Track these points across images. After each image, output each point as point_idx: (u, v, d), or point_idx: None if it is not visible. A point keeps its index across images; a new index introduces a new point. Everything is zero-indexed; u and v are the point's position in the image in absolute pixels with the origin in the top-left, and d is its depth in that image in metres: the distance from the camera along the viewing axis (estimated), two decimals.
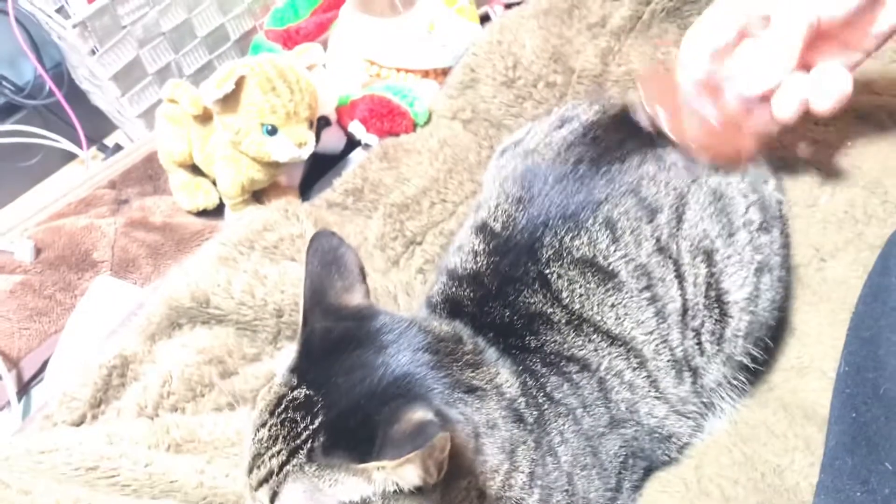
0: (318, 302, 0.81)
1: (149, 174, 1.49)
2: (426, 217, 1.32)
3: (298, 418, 0.75)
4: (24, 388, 1.21)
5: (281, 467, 0.75)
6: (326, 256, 0.84)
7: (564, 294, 0.90)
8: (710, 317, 0.95)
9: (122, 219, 1.39)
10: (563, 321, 0.90)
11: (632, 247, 0.91)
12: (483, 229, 0.97)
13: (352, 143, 1.53)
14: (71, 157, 1.81)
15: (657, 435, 0.97)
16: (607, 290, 0.91)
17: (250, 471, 0.78)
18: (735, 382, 1.02)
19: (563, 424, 0.90)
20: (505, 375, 0.87)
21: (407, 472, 0.70)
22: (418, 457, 0.68)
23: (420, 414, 0.72)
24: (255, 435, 0.78)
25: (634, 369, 0.92)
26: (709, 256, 0.94)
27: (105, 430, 1.08)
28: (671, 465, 1.03)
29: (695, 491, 1.01)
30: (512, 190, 0.97)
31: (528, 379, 0.89)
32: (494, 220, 0.97)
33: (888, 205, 1.20)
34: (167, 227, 1.41)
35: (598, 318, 0.91)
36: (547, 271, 0.90)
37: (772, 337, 1.05)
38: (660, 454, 1.00)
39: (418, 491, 0.74)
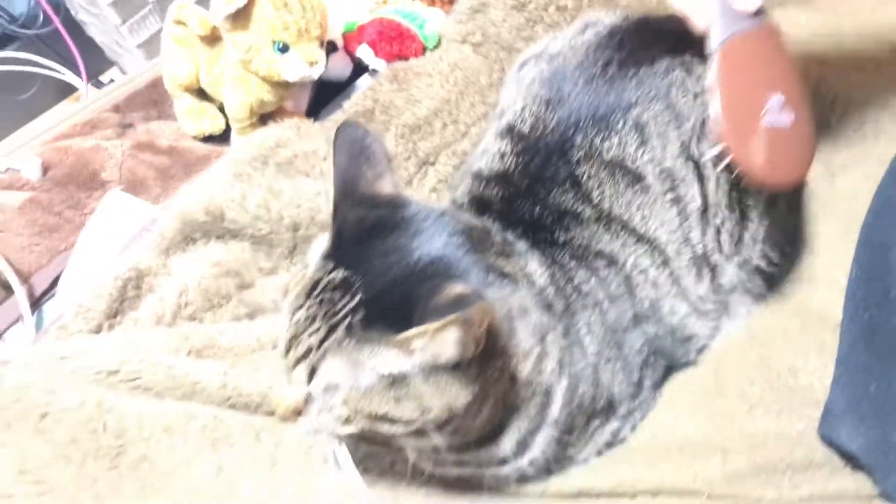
0: (348, 193, 0.81)
1: (153, 99, 1.47)
2: (438, 138, 1.32)
3: (336, 298, 0.76)
4: (35, 304, 1.19)
5: (320, 344, 0.76)
6: (354, 147, 0.83)
7: (594, 194, 0.92)
8: (731, 218, 0.96)
9: (128, 142, 1.38)
10: (592, 218, 0.92)
11: (658, 151, 0.93)
12: (510, 132, 0.98)
13: (358, 71, 1.52)
14: (68, 90, 1.77)
15: (678, 336, 0.99)
16: (635, 192, 0.92)
17: (287, 351, 0.78)
18: (750, 286, 1.04)
19: (590, 316, 0.91)
20: (534, 266, 0.88)
21: (448, 337, 0.70)
22: (460, 321, 0.69)
23: (460, 288, 0.73)
24: (292, 318, 0.78)
25: (658, 267, 0.94)
26: None
27: (124, 337, 1.08)
28: (691, 367, 1.05)
29: (713, 390, 1.03)
30: (540, 92, 0.97)
31: (556, 271, 0.90)
32: (522, 123, 0.97)
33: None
34: (174, 151, 1.39)
35: (626, 217, 0.92)
36: (578, 171, 0.92)
37: (787, 243, 1.07)
38: (680, 356, 1.01)
39: (455, 368, 0.75)
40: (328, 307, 0.76)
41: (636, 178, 0.92)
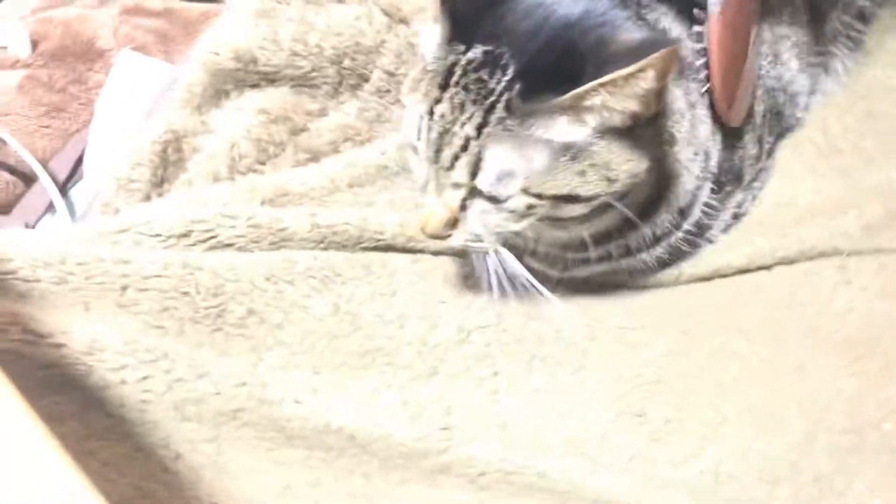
0: None
1: None
2: None
3: (485, 76, 0.67)
4: (61, 191, 1.06)
5: (479, 130, 0.67)
6: None
7: None
8: None
9: (114, 10, 1.22)
10: None
11: None
12: None
13: None
14: None
15: (789, 91, 0.93)
16: None
17: (437, 153, 0.70)
18: (850, 34, 0.98)
19: None
20: (669, 21, 0.80)
21: (638, 86, 0.63)
22: (657, 61, 0.61)
23: (638, 35, 0.67)
24: (432, 116, 0.69)
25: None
26: None
27: (182, 199, 0.97)
28: (797, 130, 0.99)
29: (825, 149, 0.98)
30: None
31: (683, 20, 0.81)
32: None
33: None
34: (168, 13, 1.24)
35: None
36: None
37: None
38: (788, 115, 0.96)
39: (630, 130, 0.68)
40: (477, 89, 0.68)
41: None
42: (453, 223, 0.74)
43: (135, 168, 0.99)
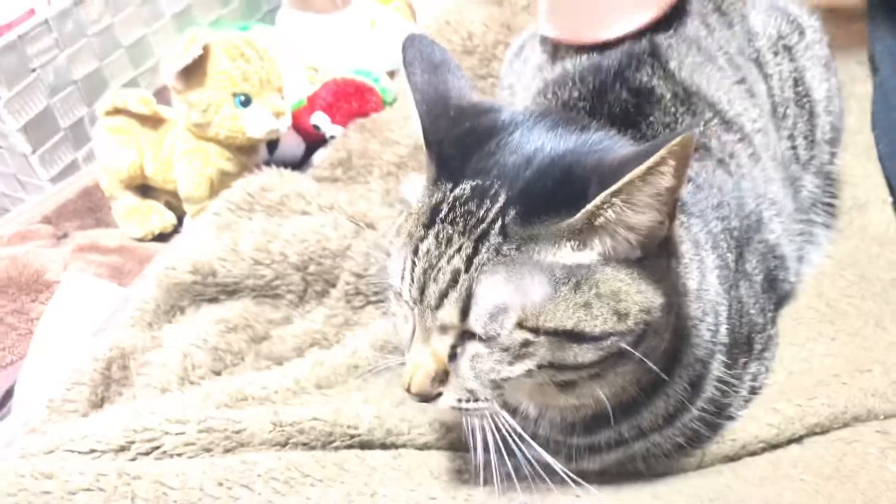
0: (440, 110, 0.69)
1: (88, 207, 1.29)
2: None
3: (474, 208, 0.62)
4: None
5: (468, 261, 0.60)
6: (430, 61, 0.71)
7: (672, 64, 0.86)
8: (801, 116, 0.93)
9: (67, 248, 1.17)
10: (675, 96, 0.84)
11: (723, 42, 0.91)
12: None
13: (309, 151, 1.42)
14: None
15: (777, 253, 0.89)
16: (711, 69, 0.87)
17: (422, 292, 0.62)
18: (826, 200, 0.98)
19: (718, 223, 0.80)
20: None
21: (659, 181, 0.57)
22: (678, 147, 0.55)
23: (636, 146, 0.63)
24: (416, 254, 0.63)
25: (750, 157, 0.86)
26: (789, 51, 0.94)
27: (124, 411, 0.84)
28: (793, 300, 0.94)
29: (828, 314, 0.93)
30: None
31: None
32: None
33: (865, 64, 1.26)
34: (125, 250, 1.20)
35: (710, 94, 0.86)
36: (656, 40, 0.87)
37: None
38: (781, 279, 0.91)
39: (640, 261, 0.62)
40: (465, 220, 0.62)
41: (711, 59, 0.88)
42: (443, 377, 0.64)
43: (72, 388, 0.88)
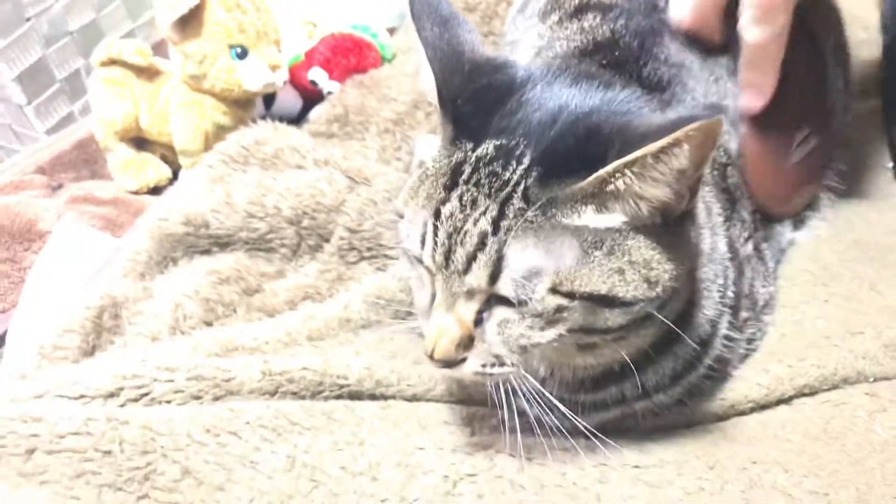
0: (454, 66, 0.67)
1: (83, 159, 1.28)
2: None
3: (498, 169, 0.61)
4: None
5: (495, 225, 0.59)
6: (439, 15, 0.69)
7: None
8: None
9: (61, 199, 1.17)
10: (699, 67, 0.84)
11: None
12: (585, 8, 0.90)
13: (307, 107, 1.40)
14: None
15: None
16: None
17: (447, 257, 0.61)
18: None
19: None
20: None
21: (671, 163, 0.56)
22: (696, 133, 0.54)
23: (670, 114, 0.61)
24: (438, 217, 0.61)
25: None
26: None
27: (114, 358, 0.84)
28: (788, 261, 0.93)
29: (823, 277, 0.92)
30: None
31: None
32: None
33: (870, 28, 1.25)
34: (119, 202, 1.19)
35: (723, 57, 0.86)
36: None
37: None
38: (777, 227, 0.91)
39: (663, 229, 0.61)
40: (490, 182, 0.60)
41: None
42: (468, 343, 0.63)
43: (63, 335, 0.87)
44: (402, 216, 0.65)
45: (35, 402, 0.75)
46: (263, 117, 1.34)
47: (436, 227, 0.61)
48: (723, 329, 0.75)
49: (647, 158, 0.56)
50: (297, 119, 1.38)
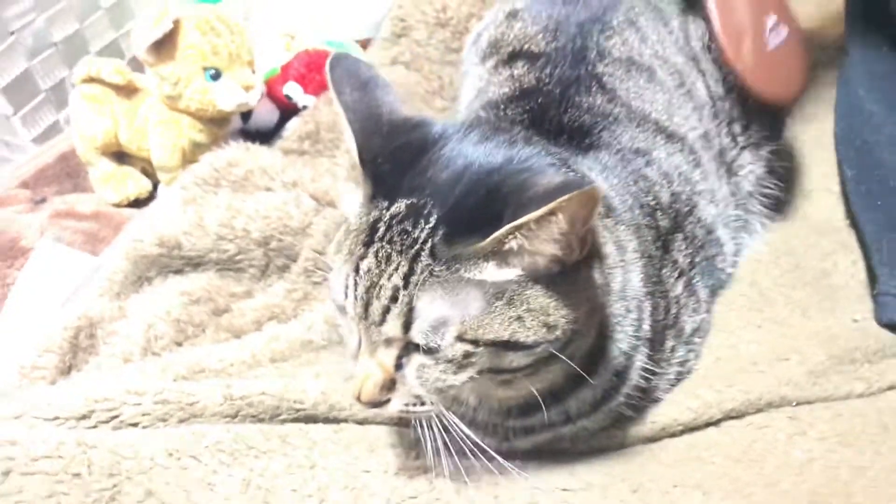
0: (372, 128, 0.71)
1: (66, 172, 1.33)
2: None
3: (409, 227, 0.65)
4: None
5: (406, 279, 0.64)
6: (358, 78, 0.73)
7: (620, 91, 0.89)
8: (735, 104, 0.97)
9: (44, 213, 1.22)
10: (625, 118, 0.88)
11: (658, 46, 0.93)
12: (515, 57, 0.95)
13: (283, 119, 1.45)
14: None
15: (712, 238, 0.94)
16: (654, 88, 0.91)
17: (366, 308, 0.66)
18: (766, 191, 1.02)
19: (647, 220, 0.84)
20: (586, 170, 0.81)
21: (551, 227, 0.61)
22: (567, 203, 0.59)
23: (560, 176, 0.66)
24: (357, 272, 0.66)
25: (689, 164, 0.91)
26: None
27: (87, 380, 0.89)
28: (728, 287, 0.99)
29: (759, 302, 0.97)
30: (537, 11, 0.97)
31: (608, 174, 0.84)
32: (528, 43, 0.95)
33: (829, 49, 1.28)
34: (100, 216, 1.24)
35: (653, 114, 0.90)
36: (598, 72, 0.89)
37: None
38: (718, 262, 0.96)
39: (561, 275, 0.66)
40: (402, 240, 0.65)
41: (650, 74, 0.91)
42: (390, 386, 0.68)
43: (42, 355, 0.93)
44: (331, 269, 0.70)
45: (13, 423, 0.81)
46: (243, 131, 1.40)
47: (356, 282, 0.66)
48: (639, 361, 0.79)
49: (530, 224, 0.61)
50: (275, 131, 1.43)
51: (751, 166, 0.99)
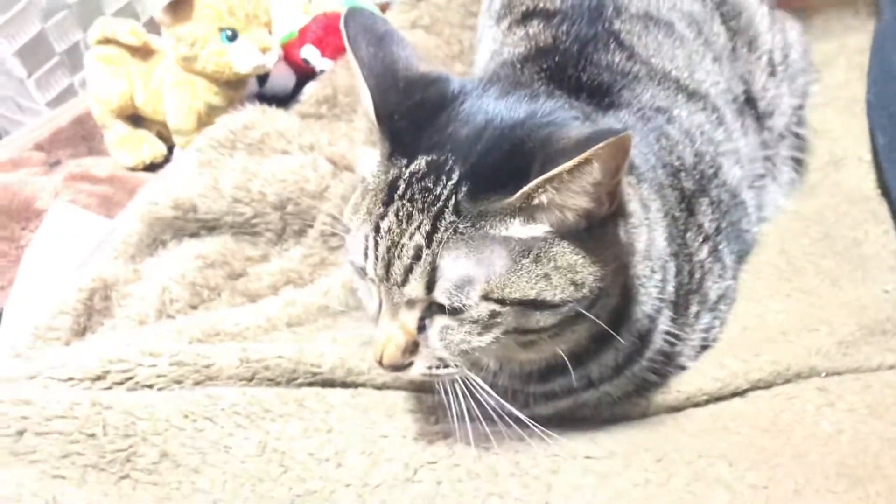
0: (388, 83, 0.69)
1: (81, 135, 1.31)
2: None
3: (430, 184, 0.64)
4: None
5: (429, 237, 0.63)
6: (373, 33, 0.72)
7: (638, 48, 0.86)
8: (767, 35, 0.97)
9: (59, 176, 1.20)
10: (645, 76, 0.85)
11: None
12: (529, 16, 0.91)
13: (301, 83, 1.42)
14: None
15: (737, 200, 0.91)
16: (673, 43, 0.88)
17: (387, 269, 0.64)
18: (797, 126, 1.01)
19: (670, 180, 0.82)
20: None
21: (585, 177, 0.59)
22: (602, 152, 0.57)
23: (588, 128, 0.64)
24: (378, 232, 0.65)
25: (712, 123, 0.88)
26: None
27: (103, 342, 0.88)
28: (755, 255, 0.96)
29: (787, 271, 0.95)
30: None
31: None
32: (542, 2, 0.92)
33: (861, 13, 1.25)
34: (115, 180, 1.23)
35: (674, 72, 0.87)
36: (615, 29, 0.86)
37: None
38: (743, 225, 0.93)
39: (588, 231, 0.64)
40: (423, 197, 0.64)
41: (668, 28, 0.88)
42: (413, 348, 0.67)
43: (56, 316, 0.92)
44: (348, 230, 0.68)
45: (27, 384, 0.80)
46: (259, 95, 1.38)
47: (376, 242, 0.64)
48: (662, 324, 0.78)
49: (563, 175, 0.59)
50: (292, 95, 1.41)
51: (788, 100, 0.97)
